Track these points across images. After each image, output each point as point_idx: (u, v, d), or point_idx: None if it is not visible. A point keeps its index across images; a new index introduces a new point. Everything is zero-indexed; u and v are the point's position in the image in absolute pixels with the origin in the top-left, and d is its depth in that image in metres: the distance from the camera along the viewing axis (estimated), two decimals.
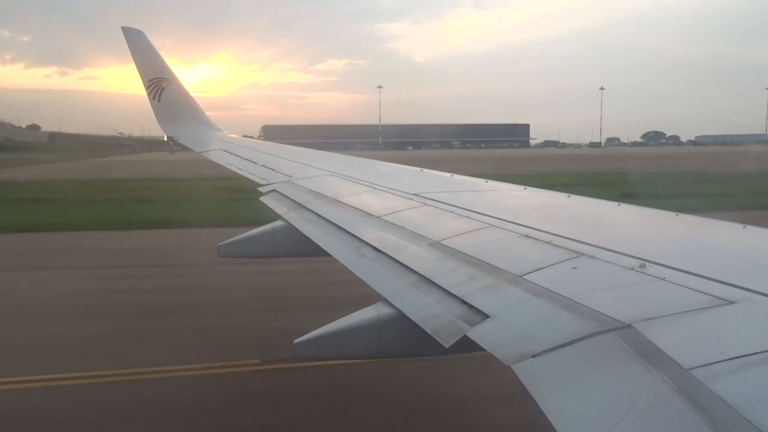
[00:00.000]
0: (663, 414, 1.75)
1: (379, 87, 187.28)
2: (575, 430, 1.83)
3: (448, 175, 7.50)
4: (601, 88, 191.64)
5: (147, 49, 13.51)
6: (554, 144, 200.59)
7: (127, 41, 13.10)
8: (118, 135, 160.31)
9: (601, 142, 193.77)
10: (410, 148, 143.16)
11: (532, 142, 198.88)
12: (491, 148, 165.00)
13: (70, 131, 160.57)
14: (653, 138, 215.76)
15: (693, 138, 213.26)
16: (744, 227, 3.83)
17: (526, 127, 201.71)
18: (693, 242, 3.82)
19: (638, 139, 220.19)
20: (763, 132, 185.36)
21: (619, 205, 4.89)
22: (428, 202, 5.33)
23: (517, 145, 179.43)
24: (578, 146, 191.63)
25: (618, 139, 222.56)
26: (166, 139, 15.03)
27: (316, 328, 3.54)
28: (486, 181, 6.60)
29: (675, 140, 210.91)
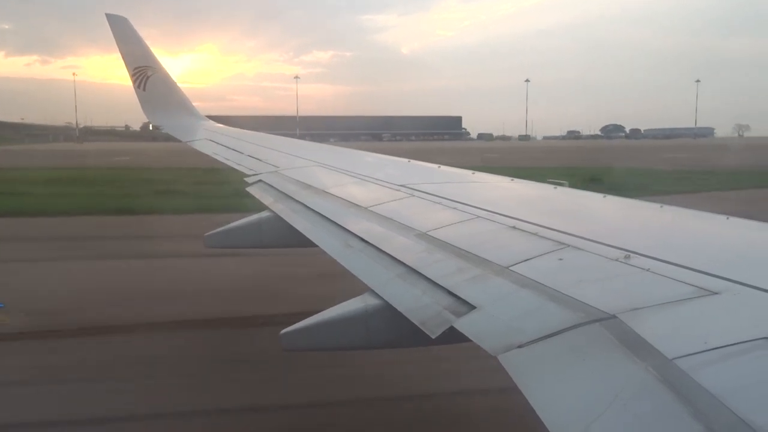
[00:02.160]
0: (647, 403, 1.77)
1: (296, 78, 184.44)
2: (560, 420, 1.84)
3: (435, 166, 7.50)
4: (527, 80, 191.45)
5: (132, 37, 13.30)
6: (486, 137, 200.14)
7: (111, 28, 12.89)
8: (67, 125, 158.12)
9: (529, 135, 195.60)
10: (332, 140, 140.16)
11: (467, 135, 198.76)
12: (422, 140, 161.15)
13: (29, 121, 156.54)
14: (612, 131, 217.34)
15: (642, 131, 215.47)
16: (727, 218, 3.87)
17: (458, 119, 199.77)
18: (677, 233, 3.86)
19: (597, 132, 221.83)
20: (738, 126, 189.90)
21: (604, 196, 4.92)
22: (415, 193, 5.32)
23: (449, 138, 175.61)
24: (507, 139, 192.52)
25: (578, 131, 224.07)
26: (151, 128, 14.84)
27: (302, 319, 3.54)
28: (473, 173, 6.61)
29: (635, 133, 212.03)
